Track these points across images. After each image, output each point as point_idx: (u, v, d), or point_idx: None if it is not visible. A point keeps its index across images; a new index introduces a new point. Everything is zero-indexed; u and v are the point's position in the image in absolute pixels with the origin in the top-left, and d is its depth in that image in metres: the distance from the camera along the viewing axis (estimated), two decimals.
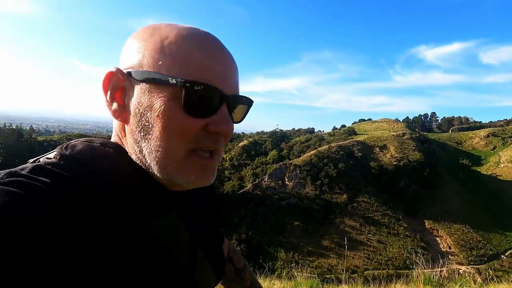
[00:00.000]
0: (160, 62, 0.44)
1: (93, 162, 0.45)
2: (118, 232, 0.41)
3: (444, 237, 46.37)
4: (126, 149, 0.49)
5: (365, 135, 73.72)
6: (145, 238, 0.44)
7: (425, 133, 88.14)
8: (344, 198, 50.81)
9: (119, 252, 0.40)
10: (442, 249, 44.01)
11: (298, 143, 72.70)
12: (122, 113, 0.47)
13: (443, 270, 3.83)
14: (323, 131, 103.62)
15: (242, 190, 52.08)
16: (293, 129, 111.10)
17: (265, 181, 52.57)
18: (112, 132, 0.54)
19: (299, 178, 52.93)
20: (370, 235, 44.98)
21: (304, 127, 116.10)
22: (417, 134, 75.19)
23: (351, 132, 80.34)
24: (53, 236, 0.34)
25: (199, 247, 0.56)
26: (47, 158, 0.47)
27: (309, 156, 57.26)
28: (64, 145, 0.48)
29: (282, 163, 56.50)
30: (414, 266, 4.01)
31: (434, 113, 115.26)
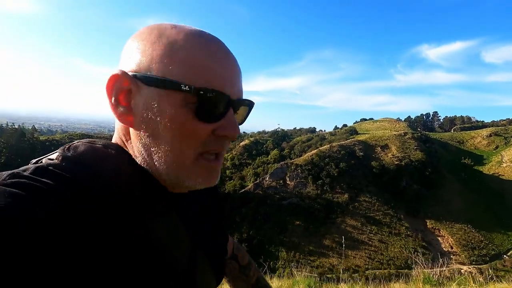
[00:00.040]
0: (171, 67, 0.44)
1: (95, 164, 0.45)
2: (118, 232, 0.41)
3: (446, 237, 46.26)
4: (130, 151, 0.49)
5: (366, 135, 73.65)
6: (145, 238, 0.44)
7: (427, 132, 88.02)
8: (346, 197, 50.79)
9: (119, 251, 0.40)
10: (444, 249, 43.92)
11: (299, 143, 72.73)
12: (128, 117, 0.47)
13: (444, 270, 3.81)
14: (324, 130, 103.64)
15: (243, 190, 52.19)
16: (295, 128, 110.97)
17: (266, 181, 52.62)
18: (113, 132, 0.54)
19: (301, 177, 52.94)
20: (372, 235, 44.95)
21: (306, 126, 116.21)
22: (418, 133, 75.09)
23: (353, 131, 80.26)
24: (53, 236, 0.35)
25: (199, 247, 0.56)
26: (49, 159, 0.47)
27: (310, 156, 57.26)
28: (67, 146, 0.48)
29: (283, 162, 56.56)
30: (414, 265, 4.00)
31: (436, 112, 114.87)
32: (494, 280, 3.63)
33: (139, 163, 0.48)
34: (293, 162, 56.14)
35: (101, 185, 0.43)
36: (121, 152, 0.49)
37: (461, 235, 46.21)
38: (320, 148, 60.97)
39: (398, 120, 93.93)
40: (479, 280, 3.54)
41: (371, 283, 3.82)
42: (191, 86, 0.43)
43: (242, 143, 72.97)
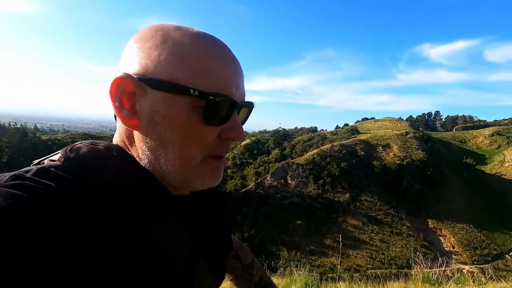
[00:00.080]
0: (178, 71, 0.44)
1: (97, 165, 0.46)
2: (117, 229, 0.41)
3: (448, 237, 46.09)
4: (134, 154, 0.49)
5: (368, 134, 73.42)
6: (144, 235, 0.44)
7: (428, 132, 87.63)
8: (347, 197, 50.69)
9: (118, 248, 0.40)
10: (446, 248, 43.77)
11: (300, 142, 72.63)
12: (132, 120, 0.46)
13: (446, 270, 3.80)
14: (325, 130, 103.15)
15: (244, 189, 52.14)
16: (296, 128, 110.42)
17: (267, 180, 52.56)
18: (115, 131, 0.54)
19: (302, 177, 52.87)
20: (373, 234, 44.85)
21: (307, 126, 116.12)
22: (420, 133, 74.74)
23: (354, 131, 79.97)
24: (52, 233, 0.35)
25: (198, 246, 0.55)
26: (51, 160, 0.47)
27: (311, 155, 57.15)
28: (69, 148, 0.48)
29: (284, 162, 56.44)
30: (413, 264, 3.98)
31: (438, 111, 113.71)
32: (494, 280, 3.61)
33: (143, 165, 0.48)
34: (294, 161, 56.04)
35: (100, 183, 0.43)
36: (123, 154, 0.49)
37: (463, 234, 46.02)
38: (322, 148, 60.80)
39: (400, 119, 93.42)
40: (478, 280, 3.53)
41: (370, 282, 3.82)
42: (200, 90, 0.43)
43: (243, 143, 72.79)
